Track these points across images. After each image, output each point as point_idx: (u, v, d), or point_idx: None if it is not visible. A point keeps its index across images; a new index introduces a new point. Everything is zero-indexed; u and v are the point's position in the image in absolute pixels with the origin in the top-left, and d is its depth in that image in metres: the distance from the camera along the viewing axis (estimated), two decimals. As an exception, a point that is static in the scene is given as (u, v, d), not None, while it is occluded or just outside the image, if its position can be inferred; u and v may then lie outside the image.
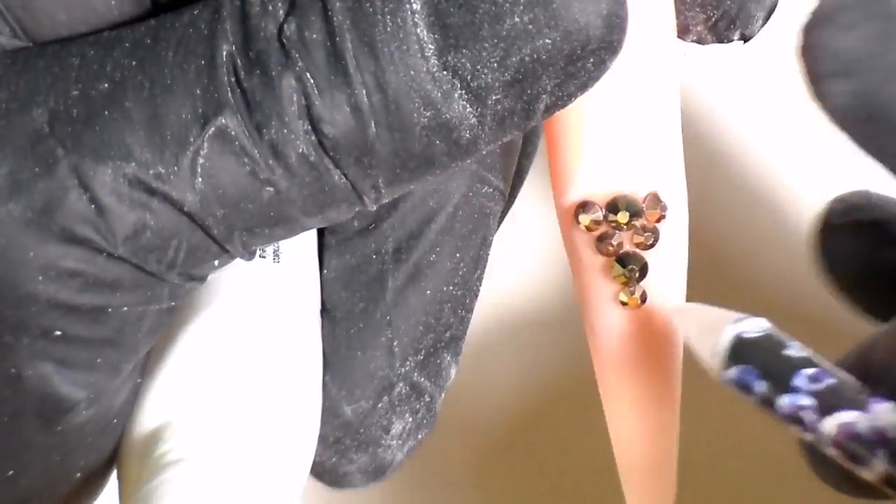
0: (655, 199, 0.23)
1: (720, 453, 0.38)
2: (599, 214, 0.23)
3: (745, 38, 0.25)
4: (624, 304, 0.24)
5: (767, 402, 0.21)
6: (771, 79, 0.49)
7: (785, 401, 0.20)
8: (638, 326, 0.24)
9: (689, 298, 0.25)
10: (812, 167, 0.48)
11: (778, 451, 0.38)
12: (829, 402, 0.20)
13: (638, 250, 0.23)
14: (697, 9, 0.24)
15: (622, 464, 0.25)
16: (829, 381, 0.20)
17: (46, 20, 0.21)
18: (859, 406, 0.20)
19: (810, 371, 0.20)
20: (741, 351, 0.21)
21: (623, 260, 0.23)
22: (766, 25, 0.25)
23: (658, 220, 0.23)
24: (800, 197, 0.48)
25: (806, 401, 0.20)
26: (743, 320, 0.21)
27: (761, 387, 0.21)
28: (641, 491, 0.26)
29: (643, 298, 0.24)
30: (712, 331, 0.22)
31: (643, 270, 0.23)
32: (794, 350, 0.21)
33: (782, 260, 0.46)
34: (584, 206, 0.23)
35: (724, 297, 0.43)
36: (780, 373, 0.21)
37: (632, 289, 0.24)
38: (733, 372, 0.21)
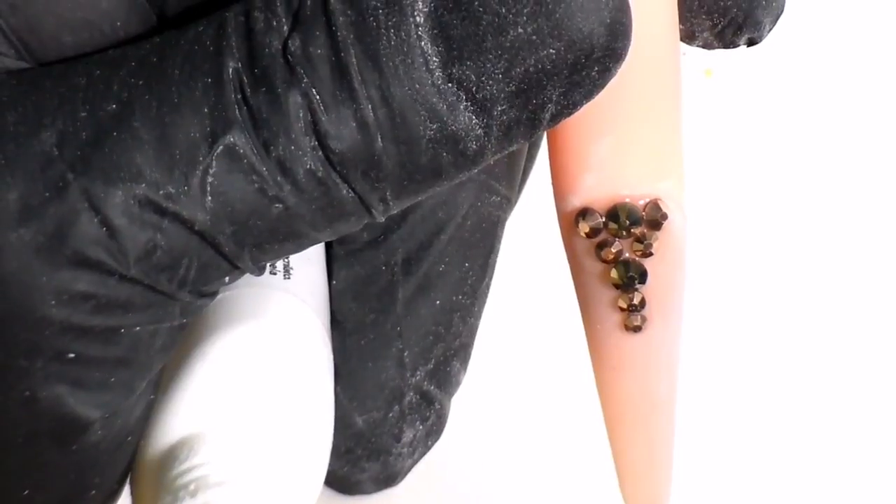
0: (656, 207, 0.23)
1: (719, 453, 0.38)
2: (599, 221, 0.23)
3: (752, 43, 0.25)
4: (623, 310, 0.24)
5: None
6: (775, 84, 0.49)
7: None
8: (637, 332, 0.24)
9: (687, 303, 0.25)
10: (813, 170, 0.48)
11: (777, 453, 0.38)
12: None
13: (637, 258, 0.23)
14: (704, 16, 0.23)
15: (619, 464, 0.25)
16: None
17: (52, 42, 0.21)
18: None
19: None
20: None
21: (622, 267, 0.23)
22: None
23: (658, 228, 0.23)
24: (802, 199, 0.48)
25: None
26: None
27: None
28: (638, 491, 0.26)
29: (642, 305, 0.24)
30: None
31: (642, 277, 0.23)
32: None
33: (783, 265, 0.46)
34: (584, 213, 0.23)
35: (723, 300, 0.43)
36: None
37: (630, 295, 0.23)
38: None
